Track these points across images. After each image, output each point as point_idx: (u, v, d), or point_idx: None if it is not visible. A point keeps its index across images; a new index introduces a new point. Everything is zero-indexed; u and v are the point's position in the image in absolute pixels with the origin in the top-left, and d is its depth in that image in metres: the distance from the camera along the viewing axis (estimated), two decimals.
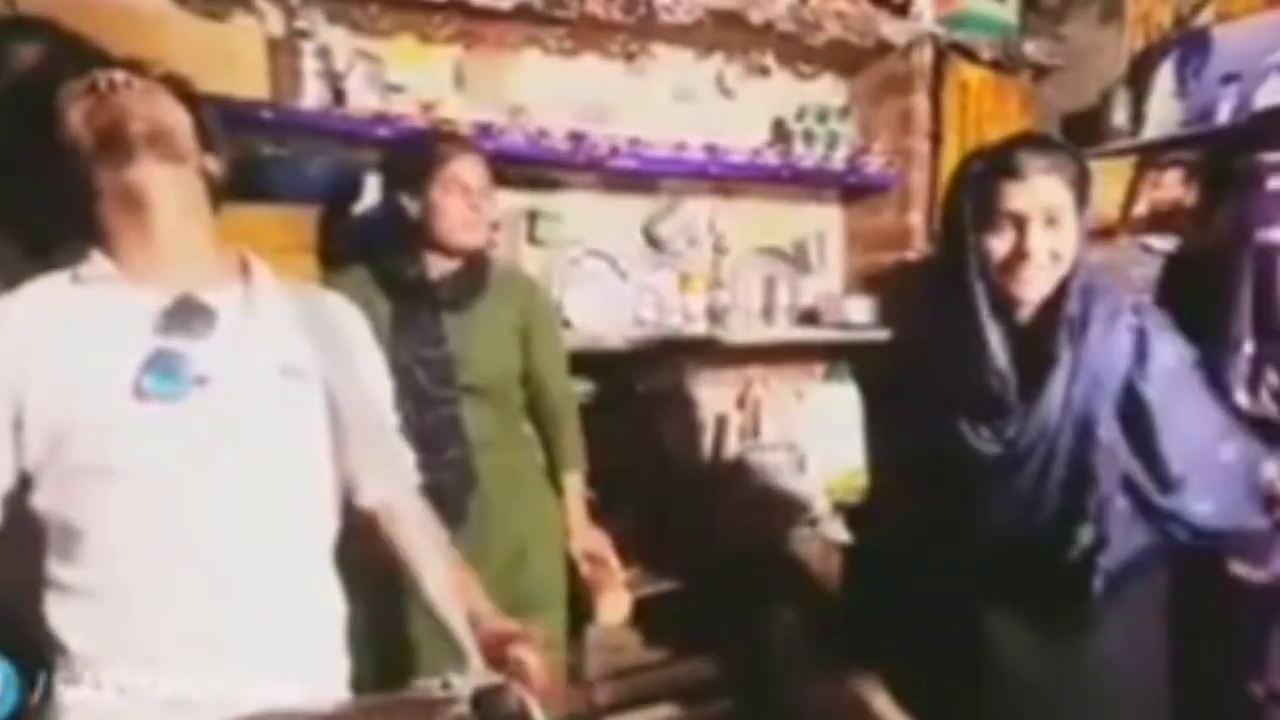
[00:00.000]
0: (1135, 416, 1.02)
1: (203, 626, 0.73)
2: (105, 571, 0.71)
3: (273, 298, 0.83)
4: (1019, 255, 1.00)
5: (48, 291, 0.76)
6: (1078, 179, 1.00)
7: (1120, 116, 2.12)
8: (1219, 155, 1.73)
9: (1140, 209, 2.08)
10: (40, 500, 0.72)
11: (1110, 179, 2.07)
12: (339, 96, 1.70)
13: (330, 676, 0.82)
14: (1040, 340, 1.03)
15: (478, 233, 1.35)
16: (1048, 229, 0.99)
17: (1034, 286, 1.02)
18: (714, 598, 1.94)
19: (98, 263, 0.76)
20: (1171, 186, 1.99)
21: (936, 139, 2.23)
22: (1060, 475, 1.03)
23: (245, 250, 0.86)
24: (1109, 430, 1.02)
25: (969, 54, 2.26)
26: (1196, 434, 1.04)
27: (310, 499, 0.82)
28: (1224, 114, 1.89)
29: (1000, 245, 1.01)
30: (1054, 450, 1.03)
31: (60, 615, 0.71)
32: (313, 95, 1.67)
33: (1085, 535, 1.02)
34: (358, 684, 0.84)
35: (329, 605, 0.84)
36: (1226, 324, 1.41)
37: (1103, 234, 1.96)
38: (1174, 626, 1.23)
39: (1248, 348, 1.39)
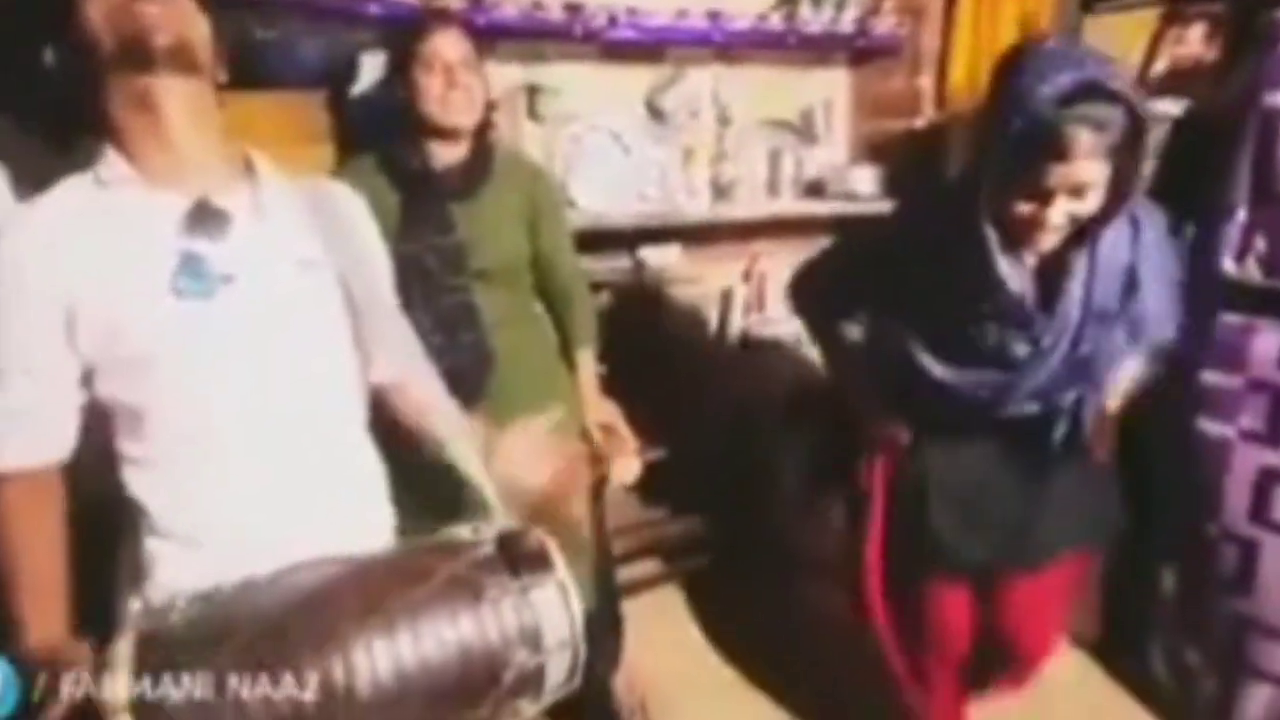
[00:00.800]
0: (1130, 288, 1.09)
1: (256, 492, 0.82)
2: (166, 446, 0.80)
3: (278, 194, 0.86)
4: (1037, 222, 1.01)
5: (75, 195, 0.79)
6: (1122, 144, 0.97)
7: None
8: (1246, 9, 1.64)
9: (1160, 66, 1.99)
10: (102, 388, 0.80)
11: (1133, 32, 1.97)
12: None
13: (376, 527, 0.92)
14: (1056, 253, 1.07)
15: (460, 110, 1.31)
16: (1071, 199, 0.99)
17: (1045, 243, 1.05)
18: (719, 461, 2.09)
19: (114, 163, 0.79)
20: (1194, 43, 1.90)
21: None
22: (1078, 359, 1.11)
23: (248, 147, 0.88)
24: (1117, 313, 1.10)
25: None
26: (1163, 292, 1.13)
27: (339, 376, 0.89)
28: None
29: (1024, 209, 1.02)
30: (1077, 341, 1.10)
31: (136, 482, 0.82)
32: None
33: (1070, 396, 1.14)
34: (402, 533, 0.94)
35: (368, 466, 0.94)
36: (1223, 189, 1.41)
37: None
38: (1143, 475, 1.37)
39: (1241, 214, 1.40)
